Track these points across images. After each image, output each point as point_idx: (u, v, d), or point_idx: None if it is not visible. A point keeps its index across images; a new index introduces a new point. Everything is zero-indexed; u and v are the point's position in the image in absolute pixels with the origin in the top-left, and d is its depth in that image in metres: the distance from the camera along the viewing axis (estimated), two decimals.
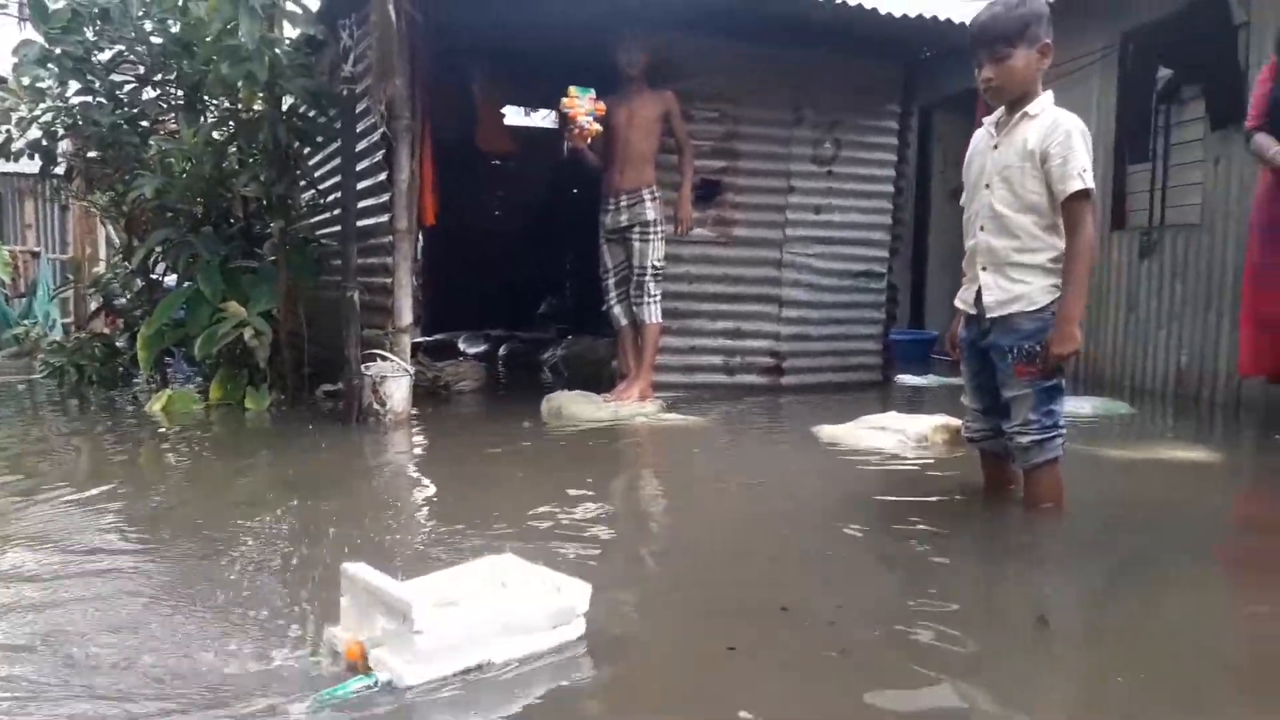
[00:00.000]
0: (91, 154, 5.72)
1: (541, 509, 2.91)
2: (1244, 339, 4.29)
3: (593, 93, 4.82)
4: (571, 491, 3.18)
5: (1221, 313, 5.22)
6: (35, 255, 9.78)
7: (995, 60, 2.81)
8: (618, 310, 5.26)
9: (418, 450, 4.23)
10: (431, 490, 3.43)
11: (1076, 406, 5.04)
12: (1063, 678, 1.86)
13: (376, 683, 1.64)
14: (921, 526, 2.79)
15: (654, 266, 5.15)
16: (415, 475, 3.74)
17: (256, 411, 5.01)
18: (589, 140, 4.87)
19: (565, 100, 4.80)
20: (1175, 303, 5.68)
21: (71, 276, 8.98)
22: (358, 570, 1.80)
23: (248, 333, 4.96)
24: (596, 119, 4.81)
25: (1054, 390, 2.89)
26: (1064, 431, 2.92)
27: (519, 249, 10.34)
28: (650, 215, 5.10)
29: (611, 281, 5.26)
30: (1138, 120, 5.93)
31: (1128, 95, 5.98)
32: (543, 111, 10.39)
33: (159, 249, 5.58)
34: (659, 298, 5.19)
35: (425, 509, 3.20)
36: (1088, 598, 2.33)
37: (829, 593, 2.24)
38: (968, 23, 3.01)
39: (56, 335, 8.57)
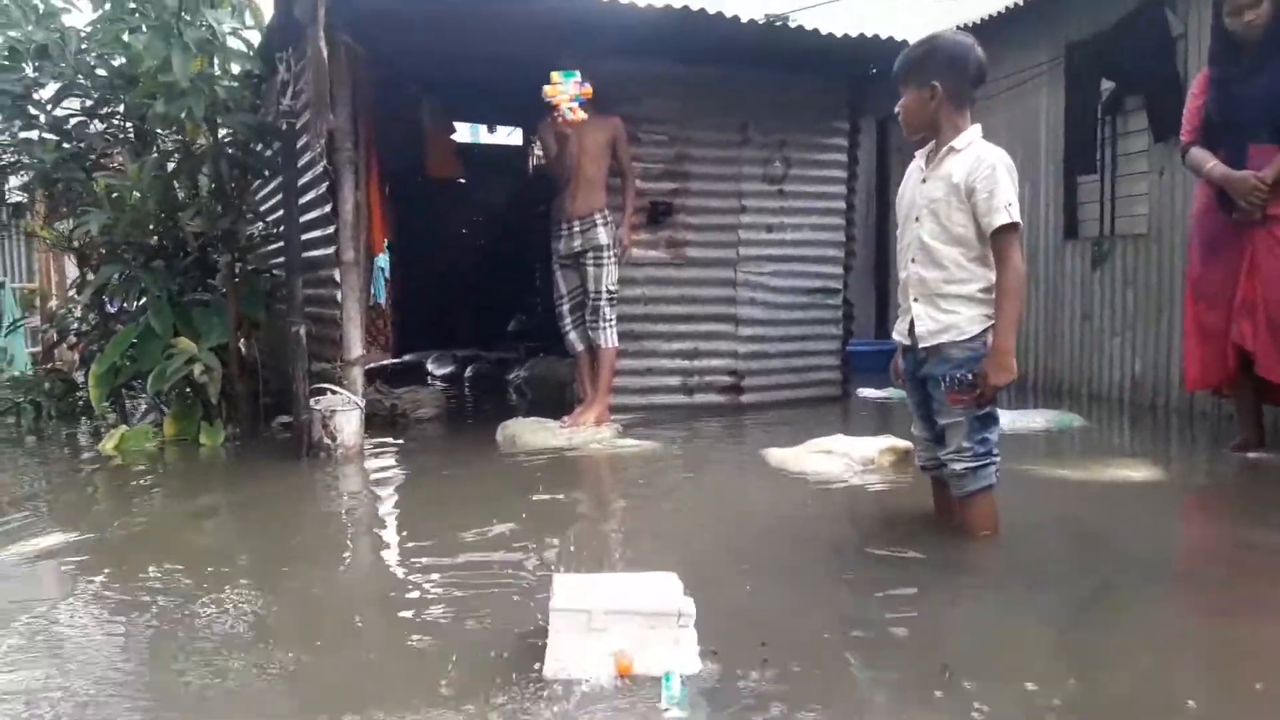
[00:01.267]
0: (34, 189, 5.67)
1: (473, 546, 2.90)
2: (1188, 353, 4.30)
3: (577, 75, 4.69)
4: (501, 528, 3.18)
5: (1173, 322, 5.26)
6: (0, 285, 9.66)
7: (901, 98, 2.94)
8: (574, 336, 5.26)
9: (370, 484, 4.20)
10: (371, 528, 3.41)
11: (1029, 420, 5.08)
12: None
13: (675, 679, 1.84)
14: (852, 553, 2.79)
15: (609, 291, 5.15)
16: (359, 514, 3.71)
17: (211, 447, 4.97)
18: (573, 127, 4.77)
19: (547, 88, 4.68)
20: (1128, 312, 5.72)
21: (27, 311, 8.88)
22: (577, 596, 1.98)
23: (197, 368, 4.92)
24: (583, 103, 4.69)
25: (987, 418, 2.90)
26: (997, 459, 2.93)
27: (486, 267, 10.33)
28: (604, 240, 5.10)
29: (566, 307, 5.26)
30: (1085, 132, 5.97)
31: (1074, 107, 6.02)
32: (509, 130, 10.40)
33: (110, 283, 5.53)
34: (614, 321, 5.19)
35: (367, 547, 3.17)
36: (1006, 635, 2.32)
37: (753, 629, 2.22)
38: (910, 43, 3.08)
39: (20, 368, 8.48)
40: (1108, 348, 5.92)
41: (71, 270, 9.54)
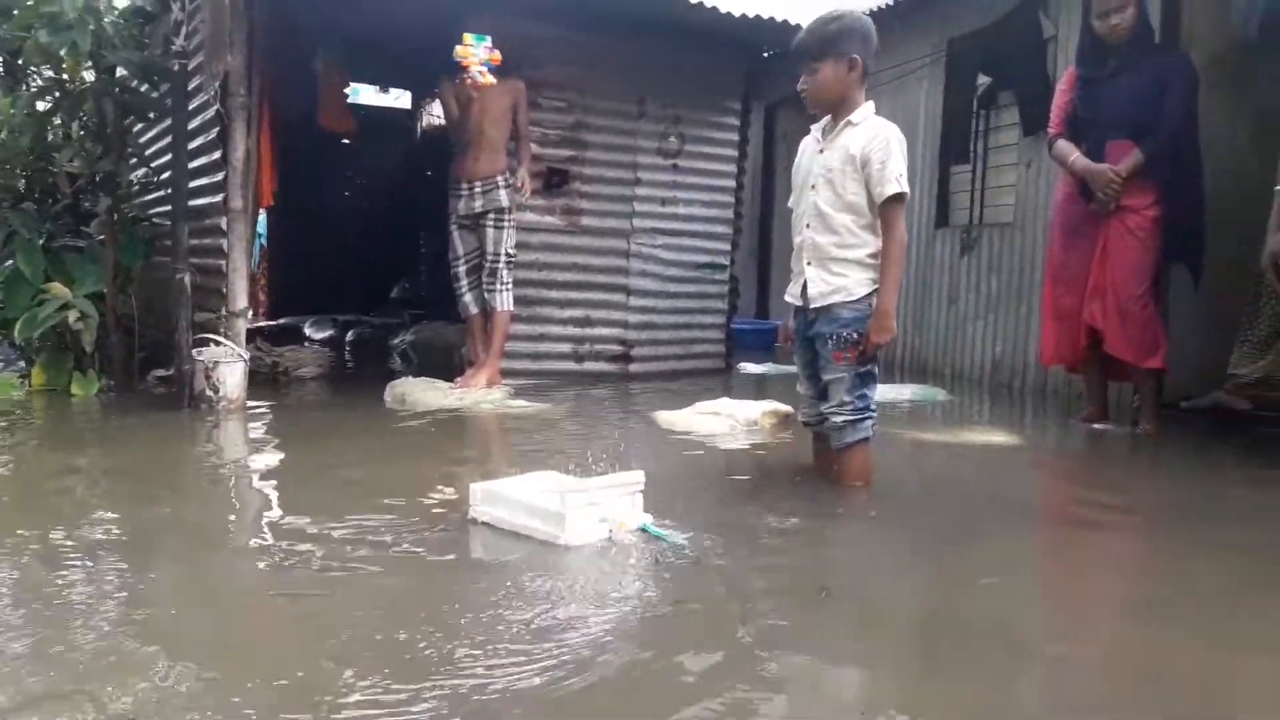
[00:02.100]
0: None
1: (366, 494, 2.93)
2: (1044, 331, 4.66)
3: (488, 40, 4.71)
4: (393, 480, 3.21)
5: (1032, 307, 5.65)
6: None
7: (808, 73, 3.06)
8: (469, 298, 5.27)
9: (253, 436, 4.14)
10: (266, 479, 3.38)
11: (898, 393, 5.38)
12: (828, 635, 2.03)
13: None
14: (738, 501, 2.96)
15: (507, 254, 5.19)
16: (250, 464, 3.66)
17: (83, 398, 4.79)
18: (479, 91, 4.80)
19: (459, 49, 4.68)
20: (992, 296, 6.11)
21: None
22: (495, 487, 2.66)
23: (72, 315, 4.73)
24: (492, 69, 4.73)
25: (867, 376, 3.11)
26: (875, 414, 3.14)
27: (371, 231, 10.16)
28: (505, 202, 5.13)
29: (463, 269, 5.26)
30: (960, 124, 6.33)
31: (951, 100, 6.38)
32: (398, 92, 10.24)
33: None
34: (511, 285, 5.23)
35: (259, 497, 3.15)
36: (872, 567, 2.52)
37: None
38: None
39: None
40: (971, 330, 6.31)
41: None
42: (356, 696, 1.58)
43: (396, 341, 7.53)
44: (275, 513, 2.83)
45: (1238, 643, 1.98)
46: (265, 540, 2.50)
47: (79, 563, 2.26)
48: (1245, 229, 4.02)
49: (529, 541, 2.49)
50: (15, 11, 4.90)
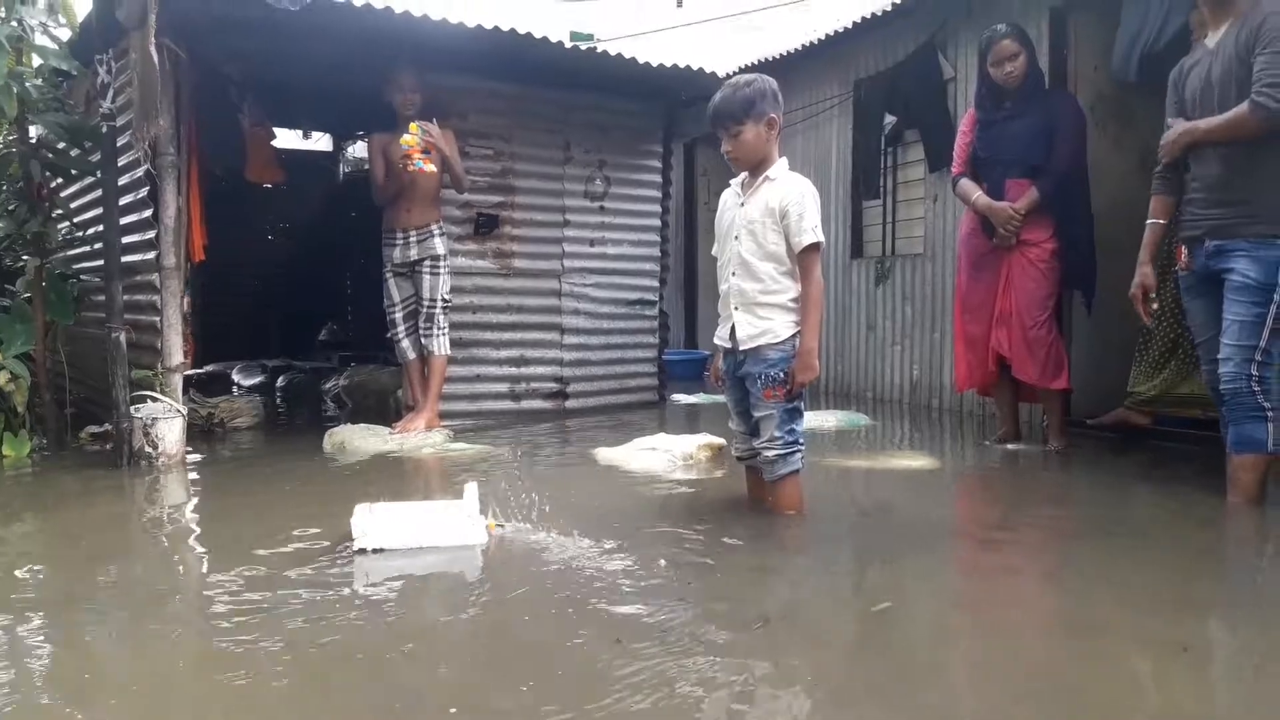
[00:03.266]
0: None
1: (312, 548, 3.02)
2: (957, 358, 4.95)
3: (429, 130, 4.98)
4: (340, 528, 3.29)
5: (944, 332, 5.97)
6: None
7: (731, 136, 3.26)
8: (405, 344, 5.37)
9: (195, 491, 4.16)
10: (210, 530, 3.43)
11: (822, 420, 5.62)
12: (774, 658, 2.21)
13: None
14: (682, 533, 3.13)
15: (443, 299, 5.31)
16: (193, 518, 3.70)
17: (16, 459, 4.73)
18: (421, 177, 5.06)
19: (406, 137, 4.93)
20: (907, 323, 6.42)
21: None
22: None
23: (3, 377, 4.70)
24: (430, 156, 4.98)
25: (795, 412, 3.32)
26: (803, 447, 3.35)
27: (295, 275, 10.10)
28: (440, 249, 5.26)
29: (399, 315, 5.36)
30: (870, 160, 6.66)
31: (861, 138, 6.71)
32: (319, 135, 10.24)
33: None
34: (446, 330, 5.34)
35: (203, 549, 3.21)
36: (812, 589, 2.72)
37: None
38: (720, 74, 3.43)
39: None
40: (889, 355, 6.61)
41: None
42: None
43: (329, 386, 7.51)
44: (225, 570, 2.90)
45: (1163, 649, 2.18)
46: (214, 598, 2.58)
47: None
48: (1134, 256, 4.34)
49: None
50: None
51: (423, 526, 3.05)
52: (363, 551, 2.92)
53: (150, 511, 3.84)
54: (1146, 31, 4.55)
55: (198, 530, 3.51)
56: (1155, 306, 3.85)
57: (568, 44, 5.54)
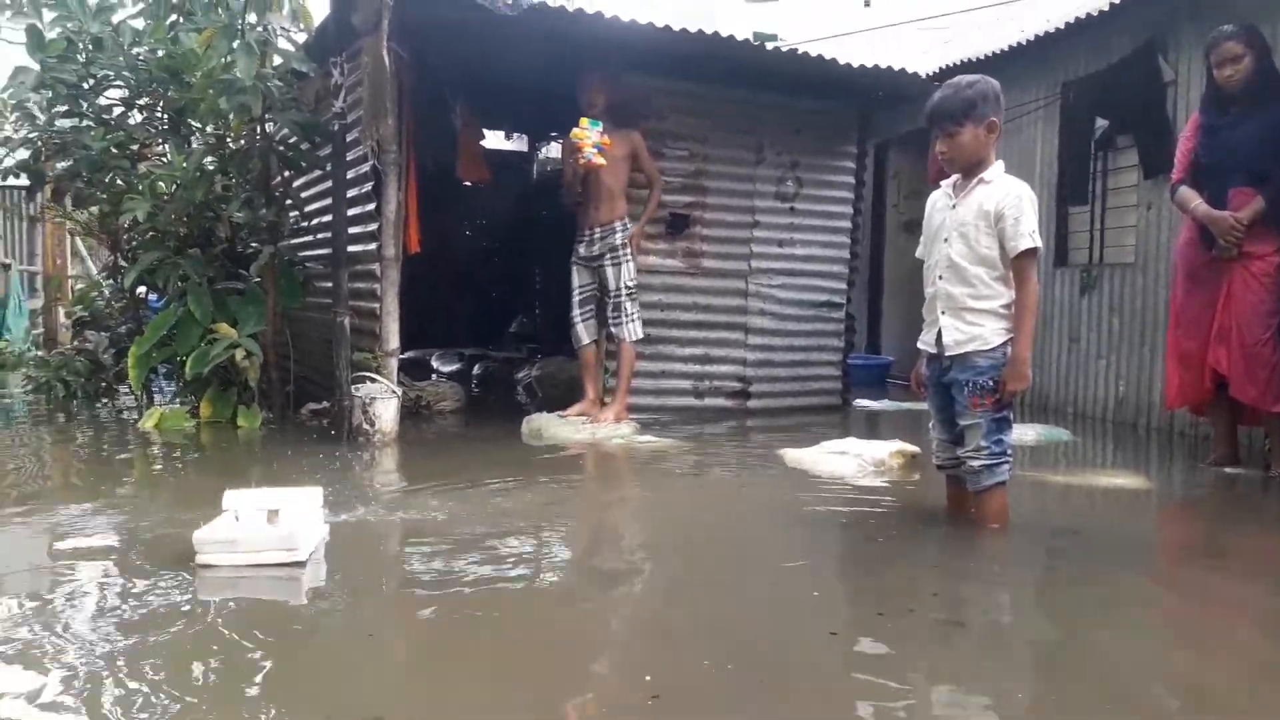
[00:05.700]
0: (80, 175, 5.86)
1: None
2: (1169, 375, 4.67)
3: (600, 127, 5.14)
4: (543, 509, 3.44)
5: (1155, 347, 5.63)
6: (5, 267, 9.77)
7: (947, 136, 3.18)
8: (580, 328, 5.51)
9: (411, 466, 4.45)
10: (437, 504, 3.65)
11: (1021, 434, 5.39)
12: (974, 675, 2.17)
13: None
14: (876, 541, 3.11)
15: (628, 287, 5.44)
16: (416, 490, 3.92)
17: (249, 429, 5.19)
18: (588, 171, 5.20)
19: (576, 130, 5.12)
20: (1114, 336, 6.10)
21: (40, 290, 9.06)
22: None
23: (239, 354, 5.15)
24: (602, 151, 5.14)
25: (1003, 421, 3.22)
26: (1011, 459, 3.25)
27: (490, 268, 10.59)
28: (619, 241, 5.40)
29: (578, 299, 5.53)
30: (1077, 165, 6.36)
31: (1068, 142, 6.42)
32: (517, 136, 10.66)
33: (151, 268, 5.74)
34: (636, 315, 5.46)
35: (438, 519, 3.42)
36: (1012, 606, 2.65)
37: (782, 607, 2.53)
38: (920, 74, 3.38)
39: (19, 346, 8.64)
40: (1094, 368, 6.30)
41: (73, 253, 9.73)
42: None
43: (521, 375, 7.86)
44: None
45: None
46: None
47: None
48: None
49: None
50: (184, 75, 5.42)
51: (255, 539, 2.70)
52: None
53: (358, 479, 4.12)
54: None
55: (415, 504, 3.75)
56: None
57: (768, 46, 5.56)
